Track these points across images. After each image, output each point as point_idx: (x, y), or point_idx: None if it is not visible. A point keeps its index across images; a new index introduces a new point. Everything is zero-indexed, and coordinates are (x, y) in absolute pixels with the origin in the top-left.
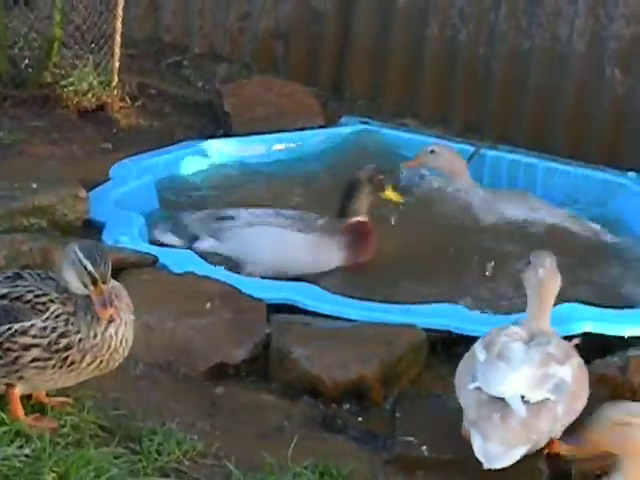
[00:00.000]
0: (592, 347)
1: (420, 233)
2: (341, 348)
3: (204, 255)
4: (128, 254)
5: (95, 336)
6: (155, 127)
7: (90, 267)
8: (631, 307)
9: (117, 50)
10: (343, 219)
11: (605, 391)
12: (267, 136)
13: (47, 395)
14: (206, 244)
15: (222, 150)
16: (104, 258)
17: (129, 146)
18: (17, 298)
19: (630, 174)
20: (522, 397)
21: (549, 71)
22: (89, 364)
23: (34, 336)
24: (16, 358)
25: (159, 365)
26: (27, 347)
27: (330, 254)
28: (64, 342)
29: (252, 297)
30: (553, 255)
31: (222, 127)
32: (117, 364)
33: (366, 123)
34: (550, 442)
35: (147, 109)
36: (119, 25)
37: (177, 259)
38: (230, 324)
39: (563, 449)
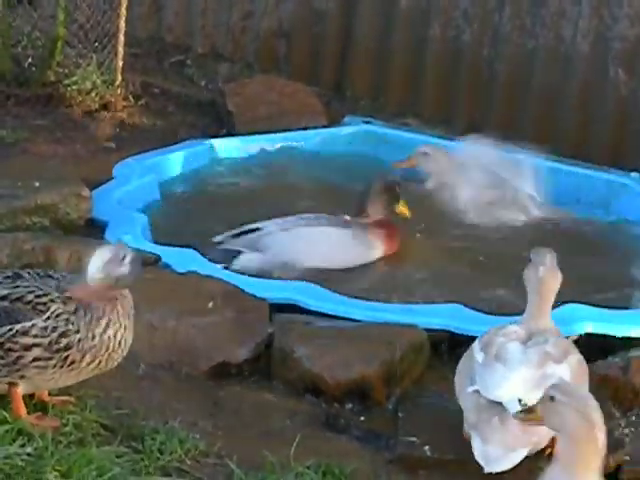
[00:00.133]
0: (593, 348)
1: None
2: (343, 348)
3: (247, 269)
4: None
5: (93, 337)
6: (158, 126)
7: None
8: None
9: (120, 49)
10: (364, 217)
11: (607, 392)
12: (270, 135)
13: (49, 394)
14: (249, 257)
15: (225, 149)
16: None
17: (132, 145)
18: (18, 299)
19: (633, 174)
20: (519, 400)
21: (553, 72)
22: (89, 364)
23: (35, 336)
24: (17, 358)
25: (161, 364)
26: (28, 347)
27: (371, 246)
28: (64, 342)
29: (254, 296)
30: (553, 252)
31: (225, 126)
32: (116, 363)
33: (369, 123)
34: (550, 442)
35: (150, 108)
36: (122, 24)
37: (180, 258)
38: (232, 323)
39: None
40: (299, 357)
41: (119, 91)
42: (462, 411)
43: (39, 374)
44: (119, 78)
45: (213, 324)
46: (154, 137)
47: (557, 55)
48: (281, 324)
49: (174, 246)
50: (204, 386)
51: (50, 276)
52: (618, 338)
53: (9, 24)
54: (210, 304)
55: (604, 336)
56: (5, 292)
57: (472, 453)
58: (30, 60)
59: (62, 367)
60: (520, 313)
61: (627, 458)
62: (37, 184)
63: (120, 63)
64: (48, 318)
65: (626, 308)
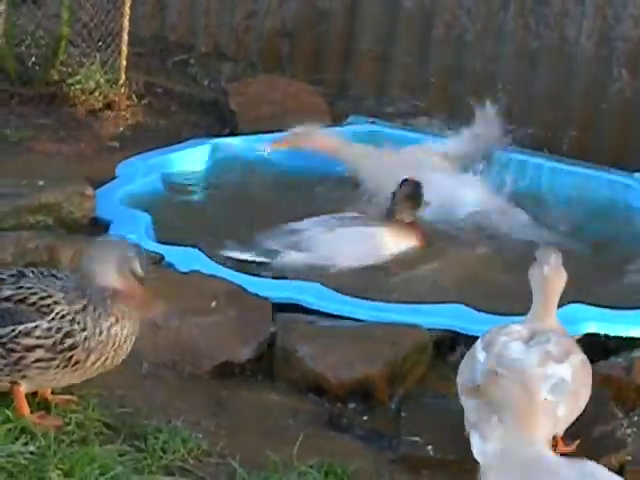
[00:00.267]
0: (596, 348)
1: None
2: (346, 347)
3: (287, 269)
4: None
5: (101, 333)
6: (162, 125)
7: (139, 271)
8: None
9: (124, 48)
10: (394, 220)
11: (609, 392)
12: (273, 135)
13: (52, 393)
14: (290, 257)
15: (228, 148)
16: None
17: (136, 144)
18: (21, 300)
19: (637, 175)
20: None
21: (557, 71)
22: (94, 362)
23: (38, 337)
24: (19, 358)
25: (164, 363)
26: (31, 348)
27: (408, 241)
28: (69, 342)
29: (257, 296)
30: (558, 252)
31: (228, 126)
32: (121, 360)
33: (373, 122)
34: (553, 440)
35: (154, 107)
36: (126, 23)
37: (183, 257)
38: (235, 323)
39: (566, 447)
40: (302, 357)
41: (122, 90)
42: (464, 411)
43: (41, 374)
44: (122, 77)
45: (216, 323)
46: (157, 136)
47: (561, 55)
48: (284, 323)
49: (178, 245)
50: (207, 385)
51: (54, 276)
52: (621, 338)
53: (13, 23)
54: (213, 303)
55: (607, 336)
56: (9, 293)
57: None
58: (34, 59)
59: (65, 367)
60: (524, 313)
61: (629, 458)
62: (41, 183)
63: (124, 62)
64: (52, 319)
65: (629, 308)
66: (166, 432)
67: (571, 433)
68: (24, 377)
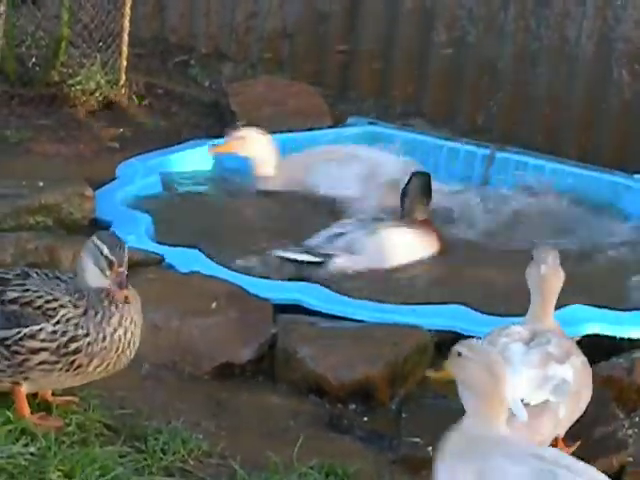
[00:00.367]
0: (597, 349)
1: None
2: (347, 348)
3: (342, 271)
4: (134, 253)
5: (104, 339)
6: (162, 126)
7: (106, 251)
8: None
9: (124, 49)
10: (413, 218)
11: (611, 393)
12: (274, 136)
13: (53, 394)
14: (345, 259)
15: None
16: (120, 244)
17: (136, 145)
18: (27, 303)
19: (637, 176)
20: (522, 400)
21: (557, 72)
22: (96, 367)
23: (43, 340)
24: (23, 361)
25: (165, 364)
26: (35, 351)
27: (431, 245)
28: (73, 346)
29: (258, 297)
30: (556, 251)
31: (228, 127)
32: (123, 366)
33: (373, 124)
34: (554, 441)
35: (154, 108)
36: (127, 24)
37: (183, 258)
38: (236, 324)
39: (568, 449)
40: (302, 358)
41: (123, 91)
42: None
43: (44, 376)
44: (123, 78)
45: (216, 324)
46: (157, 137)
47: (561, 56)
48: (284, 324)
49: (178, 246)
50: (207, 386)
51: (58, 278)
52: (622, 339)
53: (13, 24)
54: (213, 304)
55: (608, 337)
56: (15, 295)
57: None
58: (34, 60)
59: (68, 371)
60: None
61: (630, 459)
62: (41, 184)
63: (124, 63)
64: (57, 322)
65: (630, 309)
66: (166, 433)
67: (572, 434)
68: (26, 379)
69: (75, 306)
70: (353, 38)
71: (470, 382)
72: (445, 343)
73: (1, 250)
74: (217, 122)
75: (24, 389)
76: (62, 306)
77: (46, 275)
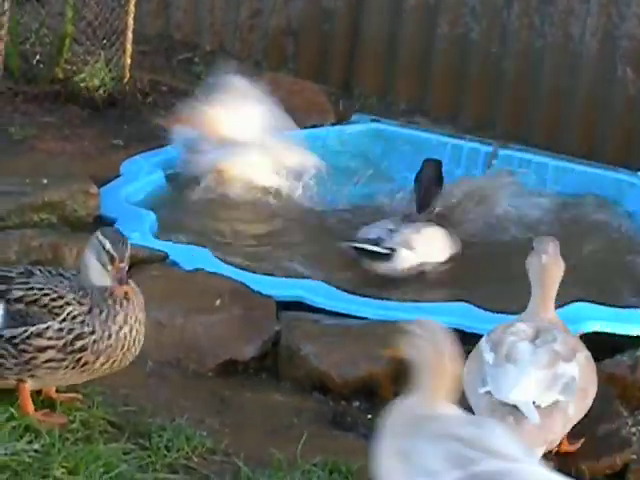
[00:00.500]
0: (601, 346)
1: None
2: (350, 345)
3: (403, 266)
4: (138, 250)
5: (110, 337)
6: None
7: (109, 246)
8: None
9: (128, 46)
10: (431, 212)
11: (614, 390)
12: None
13: (57, 391)
14: (404, 254)
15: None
16: (123, 239)
17: (140, 142)
18: (33, 302)
19: None
20: (533, 402)
21: (561, 70)
22: (102, 364)
23: (50, 338)
24: (30, 359)
25: (169, 362)
26: (42, 349)
27: (459, 241)
28: (79, 344)
29: (261, 294)
30: (556, 241)
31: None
32: (128, 362)
33: (377, 121)
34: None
35: (158, 105)
36: (131, 21)
37: (187, 256)
38: (240, 321)
39: (572, 447)
40: (306, 355)
41: (127, 88)
42: (470, 409)
43: (50, 374)
44: (127, 75)
45: (220, 322)
46: (162, 134)
47: (565, 53)
48: (288, 322)
49: (182, 243)
50: (211, 383)
51: (62, 275)
52: (626, 337)
53: (17, 21)
54: (217, 302)
55: (612, 335)
56: (20, 294)
57: None
58: (38, 57)
59: (74, 368)
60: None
61: (634, 457)
62: (45, 181)
63: (128, 60)
64: (64, 320)
65: (634, 307)
66: (170, 430)
67: (576, 432)
68: (32, 376)
69: (80, 303)
70: (357, 35)
71: (417, 358)
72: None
73: (5, 247)
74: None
75: (28, 386)
76: (68, 304)
77: (49, 272)
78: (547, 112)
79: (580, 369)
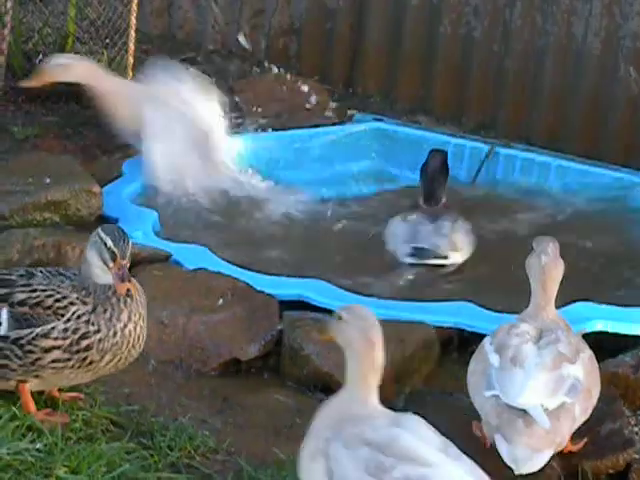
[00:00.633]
0: (604, 345)
1: None
2: None
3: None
4: (141, 249)
5: (115, 334)
6: None
7: (110, 243)
8: None
9: (131, 46)
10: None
11: (617, 390)
12: (280, 132)
13: (59, 390)
14: (454, 257)
15: (235, 146)
16: (124, 236)
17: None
18: (37, 304)
19: None
20: (541, 405)
21: (564, 69)
22: (108, 363)
23: (55, 338)
24: (36, 359)
25: (171, 361)
26: (48, 349)
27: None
28: (85, 343)
29: (264, 294)
30: (556, 241)
31: (236, 123)
32: (132, 359)
33: (380, 120)
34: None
35: None
36: (134, 21)
37: (190, 255)
38: (242, 320)
39: (575, 447)
40: (309, 354)
41: None
42: (472, 409)
43: (55, 374)
44: (130, 75)
45: (223, 321)
46: None
47: (568, 53)
48: (291, 321)
49: (185, 242)
50: (213, 383)
51: (63, 274)
52: (629, 336)
53: (20, 20)
54: (220, 301)
55: (614, 334)
56: (23, 297)
57: (481, 450)
58: (41, 56)
59: (79, 368)
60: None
61: (637, 457)
62: (48, 180)
63: (131, 60)
64: (68, 320)
65: (637, 306)
66: (173, 429)
67: (579, 431)
68: (37, 376)
69: (84, 303)
70: (360, 34)
71: (347, 345)
72: (451, 340)
73: (8, 246)
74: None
75: (28, 386)
76: (72, 303)
77: (50, 273)
78: (550, 111)
79: (584, 369)
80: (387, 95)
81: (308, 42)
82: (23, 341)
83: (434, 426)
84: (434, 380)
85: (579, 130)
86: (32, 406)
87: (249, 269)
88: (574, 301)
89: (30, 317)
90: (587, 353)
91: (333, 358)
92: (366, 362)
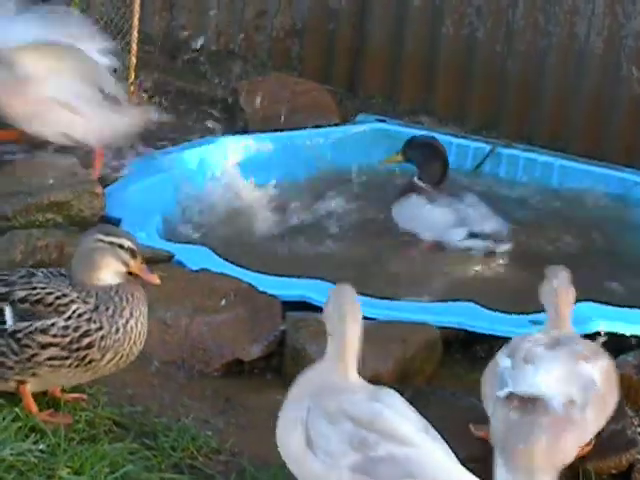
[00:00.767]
0: (607, 346)
1: None
2: None
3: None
4: (144, 250)
5: (117, 331)
6: (171, 124)
7: (127, 243)
8: None
9: (134, 46)
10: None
11: (620, 390)
12: (283, 133)
13: (62, 391)
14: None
15: (238, 147)
16: (126, 232)
17: (145, 143)
18: (38, 301)
19: None
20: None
21: (566, 69)
22: (109, 361)
23: (54, 335)
24: (32, 356)
25: (174, 362)
26: (45, 345)
27: None
28: (86, 341)
29: (267, 294)
30: (567, 270)
31: (238, 124)
32: (133, 358)
33: (382, 121)
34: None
35: (163, 106)
36: (136, 22)
37: (193, 256)
38: (245, 321)
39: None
40: (312, 355)
41: (132, 88)
42: (474, 409)
43: (52, 372)
44: (132, 75)
45: (225, 322)
46: (167, 135)
47: (570, 52)
48: (293, 322)
49: (187, 243)
50: (216, 383)
51: (63, 275)
52: (632, 337)
53: None
54: (223, 302)
55: (617, 335)
56: (23, 294)
57: (484, 451)
58: None
59: (78, 366)
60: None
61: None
62: (51, 181)
63: (133, 60)
64: (69, 317)
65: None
66: (175, 430)
67: None
68: (34, 375)
69: (85, 302)
70: (362, 35)
71: (326, 319)
72: (455, 341)
73: (11, 247)
74: (226, 120)
75: (29, 386)
76: (73, 302)
77: (51, 273)
78: (552, 111)
79: (601, 375)
80: (389, 96)
81: (310, 43)
82: (20, 334)
83: (437, 427)
84: (437, 380)
85: (582, 130)
86: (34, 407)
87: (252, 270)
88: (577, 301)
89: (32, 313)
90: (606, 361)
91: None
92: (340, 338)
